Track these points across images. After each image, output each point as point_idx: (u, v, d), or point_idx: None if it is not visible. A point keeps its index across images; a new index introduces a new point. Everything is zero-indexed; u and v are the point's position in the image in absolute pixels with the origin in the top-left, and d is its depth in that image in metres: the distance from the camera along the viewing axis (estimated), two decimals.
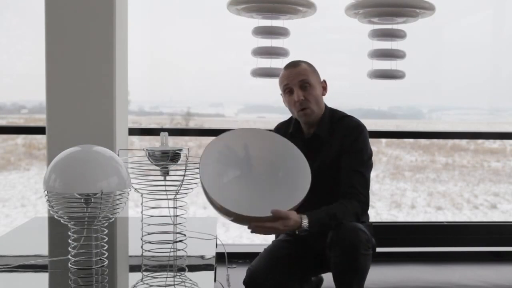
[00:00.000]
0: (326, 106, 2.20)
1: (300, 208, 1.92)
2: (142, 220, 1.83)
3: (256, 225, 1.85)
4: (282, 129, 2.29)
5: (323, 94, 2.18)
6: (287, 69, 2.15)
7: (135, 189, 1.77)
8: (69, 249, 1.63)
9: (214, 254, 1.87)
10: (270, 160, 2.07)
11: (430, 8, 2.88)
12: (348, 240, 1.90)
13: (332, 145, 2.12)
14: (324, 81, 2.19)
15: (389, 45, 3.04)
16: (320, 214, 1.94)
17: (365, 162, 2.09)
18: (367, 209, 2.13)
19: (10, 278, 1.66)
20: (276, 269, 2.03)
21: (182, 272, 1.73)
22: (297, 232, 1.92)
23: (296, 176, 2.01)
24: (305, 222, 1.90)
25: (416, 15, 2.91)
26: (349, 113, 2.21)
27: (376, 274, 2.90)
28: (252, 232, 1.88)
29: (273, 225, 1.85)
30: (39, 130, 3.12)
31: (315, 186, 2.07)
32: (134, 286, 1.63)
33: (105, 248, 1.66)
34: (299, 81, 2.10)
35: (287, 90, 2.14)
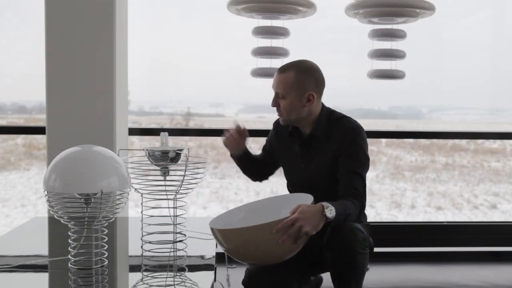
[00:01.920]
0: (323, 106, 2.20)
1: None
2: (142, 220, 1.83)
3: (278, 228, 1.71)
4: (280, 125, 2.30)
5: (306, 105, 2.11)
6: (276, 72, 2.16)
7: (135, 189, 1.77)
8: (69, 249, 1.63)
9: (214, 254, 1.87)
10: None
11: (430, 8, 2.88)
12: (345, 239, 1.90)
13: (329, 146, 2.12)
14: (311, 94, 2.11)
15: (389, 45, 3.04)
16: (337, 205, 1.88)
17: (363, 164, 2.10)
18: (364, 209, 2.15)
19: (10, 278, 1.66)
20: (275, 269, 2.03)
21: (182, 272, 1.73)
22: (326, 215, 1.81)
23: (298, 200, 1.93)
24: (326, 204, 1.83)
25: (416, 15, 2.91)
26: (349, 113, 2.21)
27: (376, 274, 2.90)
28: (281, 242, 1.72)
29: (291, 217, 1.73)
30: (39, 130, 3.13)
31: (312, 186, 2.07)
32: (134, 286, 1.63)
33: (105, 248, 1.67)
34: (276, 92, 2.14)
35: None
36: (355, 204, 1.99)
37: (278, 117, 2.24)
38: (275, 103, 2.15)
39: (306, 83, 2.11)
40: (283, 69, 2.13)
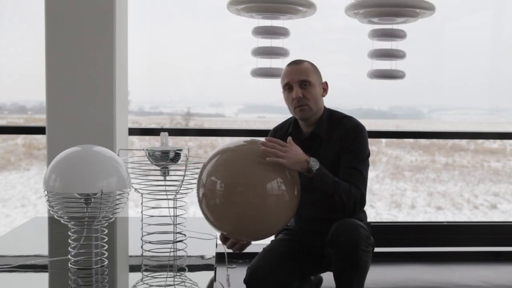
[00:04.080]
0: (324, 107, 2.21)
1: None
2: (142, 220, 1.83)
3: (269, 138, 1.93)
4: (279, 131, 2.29)
5: (323, 95, 2.19)
6: (289, 66, 2.17)
7: (135, 189, 1.77)
8: (69, 249, 1.63)
9: (214, 254, 1.87)
10: None
11: (430, 8, 2.88)
12: (349, 236, 1.90)
13: (331, 145, 2.12)
14: (325, 83, 2.20)
15: (389, 45, 3.04)
16: (325, 169, 1.99)
17: (363, 160, 2.10)
18: (364, 205, 2.13)
19: (10, 278, 1.66)
20: (276, 268, 2.03)
21: (182, 272, 1.73)
22: (310, 163, 1.93)
23: None
24: (312, 158, 1.95)
25: (416, 15, 2.91)
26: (349, 113, 2.22)
27: (376, 274, 2.90)
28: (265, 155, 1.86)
29: (286, 144, 1.92)
30: (39, 130, 3.13)
31: (313, 187, 2.07)
32: (134, 286, 1.63)
33: (105, 248, 1.67)
34: (299, 80, 2.11)
35: (287, 87, 2.15)
36: (349, 185, 2.01)
37: (277, 121, 2.22)
38: (300, 93, 2.12)
39: (319, 73, 2.19)
40: (298, 61, 2.18)
